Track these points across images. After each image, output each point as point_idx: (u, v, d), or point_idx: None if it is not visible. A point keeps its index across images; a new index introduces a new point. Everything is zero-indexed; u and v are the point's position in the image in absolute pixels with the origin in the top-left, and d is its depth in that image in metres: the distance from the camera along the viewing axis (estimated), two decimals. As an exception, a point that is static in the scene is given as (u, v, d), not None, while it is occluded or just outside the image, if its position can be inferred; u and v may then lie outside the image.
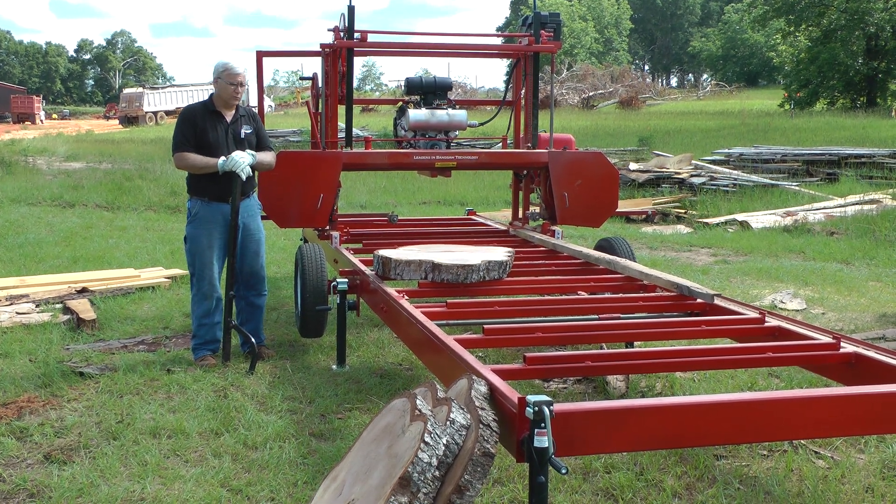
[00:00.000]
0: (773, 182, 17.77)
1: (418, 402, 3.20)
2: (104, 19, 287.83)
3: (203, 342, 6.39)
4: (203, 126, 6.26)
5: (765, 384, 5.70)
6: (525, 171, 8.32)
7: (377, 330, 7.30)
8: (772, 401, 3.30)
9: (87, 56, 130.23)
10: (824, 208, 15.08)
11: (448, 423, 3.05)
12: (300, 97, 64.86)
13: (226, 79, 6.30)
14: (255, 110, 6.76)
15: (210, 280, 6.37)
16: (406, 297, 5.11)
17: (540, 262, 6.76)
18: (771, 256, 11.28)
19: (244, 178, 6.21)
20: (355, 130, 9.33)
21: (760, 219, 14.48)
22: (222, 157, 6.18)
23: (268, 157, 6.52)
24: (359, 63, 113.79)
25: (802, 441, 4.65)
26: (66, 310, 7.74)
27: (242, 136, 6.38)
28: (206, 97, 6.48)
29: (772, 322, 4.65)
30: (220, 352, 6.37)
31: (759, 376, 5.81)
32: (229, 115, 6.39)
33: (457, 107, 8.17)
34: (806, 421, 3.29)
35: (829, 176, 18.83)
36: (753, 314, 4.78)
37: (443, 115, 8.00)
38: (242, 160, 6.17)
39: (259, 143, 6.51)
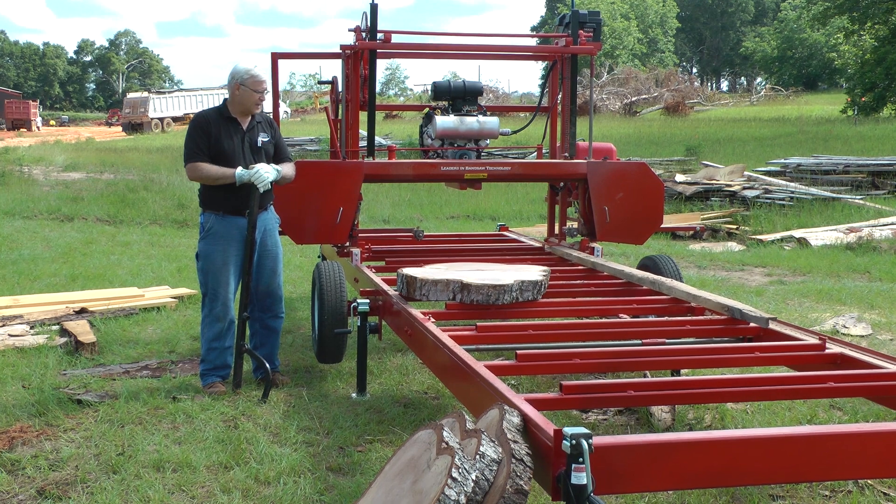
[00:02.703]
0: (835, 195, 17.65)
1: (445, 433, 3.20)
2: (106, 18, 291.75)
3: (212, 367, 6.40)
4: (217, 134, 6.25)
5: (826, 417, 5.65)
6: (562, 184, 8.32)
7: (401, 355, 7.30)
8: (834, 435, 3.28)
9: (88, 58, 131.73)
10: (892, 224, 14.95)
11: (477, 457, 3.05)
12: (318, 102, 65.34)
13: (251, 86, 6.27)
14: (271, 116, 6.83)
15: (224, 301, 6.37)
16: (432, 320, 5.13)
17: (578, 281, 6.75)
18: (832, 276, 11.19)
19: (262, 190, 6.21)
20: (378, 139, 9.38)
21: (820, 235, 14.37)
22: (240, 168, 6.19)
23: (289, 169, 6.52)
24: (382, 66, 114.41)
25: (869, 481, 4.60)
26: (64, 332, 7.79)
27: (259, 144, 6.37)
28: (217, 103, 6.49)
29: (833, 349, 4.62)
30: (230, 378, 6.39)
31: (820, 408, 5.76)
32: (245, 122, 6.38)
33: (488, 113, 8.18)
34: (872, 458, 3.27)
35: (899, 188, 18.70)
36: (813, 340, 4.75)
37: (473, 122, 8.02)
38: (267, 175, 6.17)
39: (277, 153, 6.50)
